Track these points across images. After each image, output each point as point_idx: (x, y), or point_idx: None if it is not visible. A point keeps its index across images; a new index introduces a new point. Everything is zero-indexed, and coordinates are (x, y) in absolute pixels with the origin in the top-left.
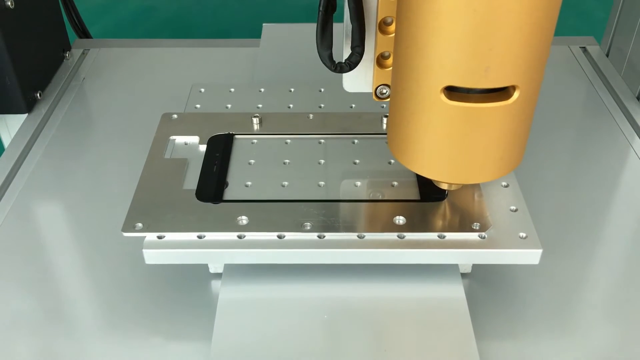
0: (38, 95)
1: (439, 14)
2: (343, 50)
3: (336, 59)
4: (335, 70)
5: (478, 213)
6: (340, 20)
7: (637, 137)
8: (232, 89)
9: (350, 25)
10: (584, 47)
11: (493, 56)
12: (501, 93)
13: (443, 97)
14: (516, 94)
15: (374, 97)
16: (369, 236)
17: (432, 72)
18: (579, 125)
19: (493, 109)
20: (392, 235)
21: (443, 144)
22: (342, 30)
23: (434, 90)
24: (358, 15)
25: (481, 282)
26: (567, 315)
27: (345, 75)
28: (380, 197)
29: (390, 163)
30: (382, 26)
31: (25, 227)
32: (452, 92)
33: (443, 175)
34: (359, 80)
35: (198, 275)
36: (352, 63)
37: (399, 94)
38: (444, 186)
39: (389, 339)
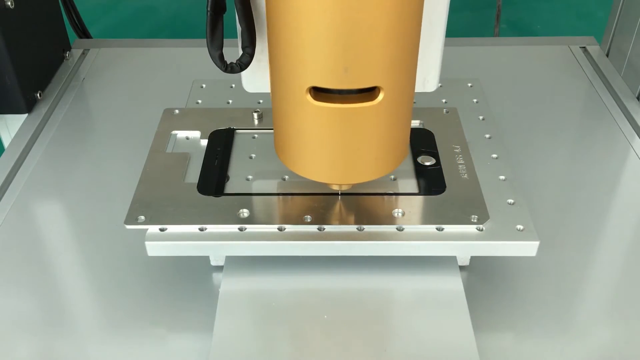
0: (38, 95)
1: (295, 14)
2: (239, 50)
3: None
4: (226, 71)
5: (476, 206)
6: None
7: (637, 137)
8: (233, 85)
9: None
10: (584, 47)
11: (350, 57)
12: (370, 94)
13: (309, 97)
14: (381, 95)
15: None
16: (369, 228)
17: (296, 72)
18: (579, 125)
19: (358, 110)
20: (391, 228)
21: (316, 145)
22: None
23: (300, 91)
24: (246, 16)
25: (479, 275)
26: (565, 309)
27: (243, 75)
28: (379, 191)
29: None
30: None
31: (26, 226)
32: (323, 92)
33: (321, 176)
34: (257, 81)
35: (199, 268)
36: (242, 64)
37: (273, 94)
38: (335, 187)
39: (386, 331)
